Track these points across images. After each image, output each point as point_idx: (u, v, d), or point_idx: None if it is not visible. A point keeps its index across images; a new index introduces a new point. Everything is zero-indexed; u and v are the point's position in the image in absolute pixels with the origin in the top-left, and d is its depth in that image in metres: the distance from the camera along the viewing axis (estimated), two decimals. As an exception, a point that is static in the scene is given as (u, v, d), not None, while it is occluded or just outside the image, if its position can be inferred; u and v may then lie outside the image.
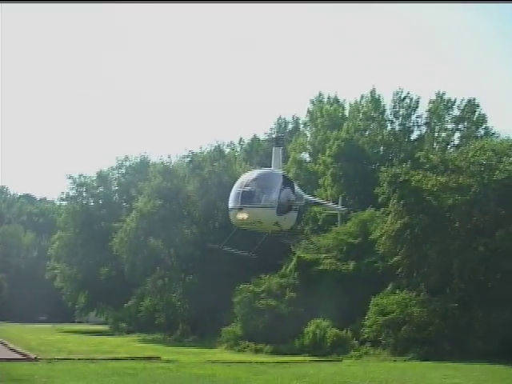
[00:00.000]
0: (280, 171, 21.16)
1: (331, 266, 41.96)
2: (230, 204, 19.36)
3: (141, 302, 57.96)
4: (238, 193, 19.34)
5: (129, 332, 59.13)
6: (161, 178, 55.66)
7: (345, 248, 42.27)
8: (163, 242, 54.19)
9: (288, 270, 43.90)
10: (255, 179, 20.14)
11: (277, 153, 22.77)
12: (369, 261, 40.80)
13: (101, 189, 72.98)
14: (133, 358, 31.13)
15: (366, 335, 37.53)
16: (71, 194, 72.36)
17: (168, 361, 30.81)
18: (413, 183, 38.64)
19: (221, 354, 38.34)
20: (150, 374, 24.63)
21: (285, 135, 25.00)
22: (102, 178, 72.75)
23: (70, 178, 71.60)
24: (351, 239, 42.97)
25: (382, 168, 42.51)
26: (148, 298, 57.19)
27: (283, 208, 19.99)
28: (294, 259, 43.69)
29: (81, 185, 71.76)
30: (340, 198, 31.58)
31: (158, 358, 31.81)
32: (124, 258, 57.44)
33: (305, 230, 50.94)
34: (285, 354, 37.47)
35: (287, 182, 21.04)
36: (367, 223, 43.11)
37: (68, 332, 60.31)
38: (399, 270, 38.48)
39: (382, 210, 42.12)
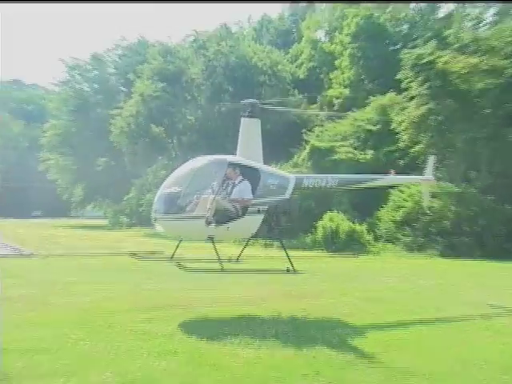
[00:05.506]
0: (229, 158, 14.21)
1: (347, 154, 40.25)
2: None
3: (141, 196, 55.90)
4: (157, 196, 12.80)
5: (129, 226, 57.61)
6: (161, 59, 52.40)
7: (362, 136, 40.48)
8: (165, 129, 51.68)
9: (301, 158, 42.36)
10: (188, 174, 13.49)
11: (248, 127, 14.36)
12: (388, 150, 38.95)
13: (96, 72, 68.61)
14: (134, 253, 29.29)
15: (382, 230, 36.02)
16: (63, 78, 68.22)
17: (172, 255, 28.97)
18: (439, 65, 36.17)
19: (228, 248, 36.44)
20: (153, 268, 23.59)
21: (260, 102, 14.86)
22: (96, 60, 68.24)
23: (62, 60, 67.47)
24: (369, 126, 41.11)
25: (405, 49, 39.76)
26: (149, 190, 55.15)
27: (224, 215, 13.64)
28: (307, 147, 41.83)
29: (73, 68, 67.35)
30: (430, 158, 19.67)
31: (161, 253, 30.09)
32: (123, 147, 54.80)
33: (319, 116, 48.50)
34: (296, 249, 35.66)
35: (250, 174, 14.00)
36: (387, 108, 40.75)
37: (64, 227, 59.02)
38: (421, 160, 36.35)
39: (403, 94, 39.73)
